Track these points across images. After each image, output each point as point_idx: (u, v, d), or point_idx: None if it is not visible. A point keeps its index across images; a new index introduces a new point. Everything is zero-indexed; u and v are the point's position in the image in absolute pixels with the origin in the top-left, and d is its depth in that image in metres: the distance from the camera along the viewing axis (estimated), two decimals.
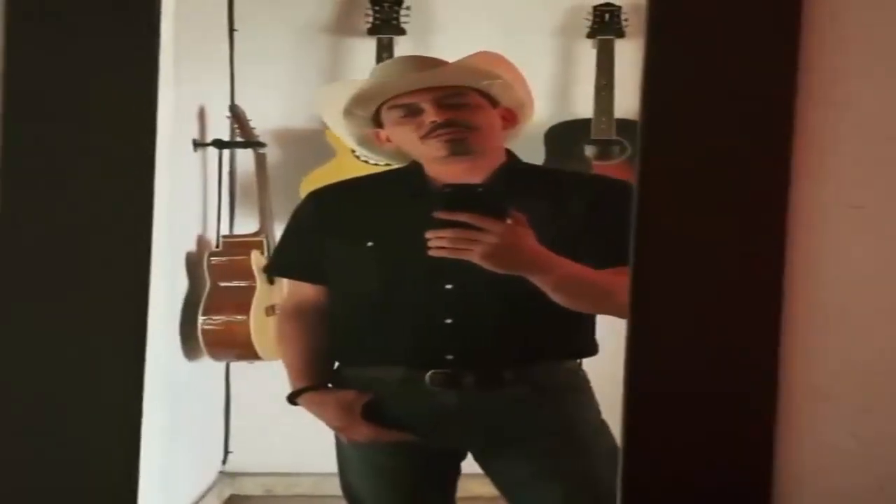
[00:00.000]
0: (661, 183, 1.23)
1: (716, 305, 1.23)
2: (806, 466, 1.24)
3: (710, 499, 1.25)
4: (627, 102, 3.08)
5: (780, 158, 1.20)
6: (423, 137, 1.80)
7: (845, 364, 1.23)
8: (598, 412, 1.92)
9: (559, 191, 1.88)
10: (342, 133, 1.97)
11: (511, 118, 1.89)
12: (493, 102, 1.86)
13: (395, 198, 1.91)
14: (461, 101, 1.81)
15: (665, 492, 1.26)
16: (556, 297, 1.71)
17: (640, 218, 1.23)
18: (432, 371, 1.81)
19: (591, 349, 1.90)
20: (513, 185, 1.82)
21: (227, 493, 3.53)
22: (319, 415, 1.90)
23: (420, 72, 1.83)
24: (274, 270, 2.11)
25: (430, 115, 1.78)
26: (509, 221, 1.62)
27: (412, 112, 1.81)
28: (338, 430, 1.92)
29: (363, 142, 1.95)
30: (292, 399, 1.93)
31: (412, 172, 1.90)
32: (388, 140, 1.89)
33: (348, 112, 1.90)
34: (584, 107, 3.20)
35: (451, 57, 1.87)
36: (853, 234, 1.22)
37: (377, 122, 1.89)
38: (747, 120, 1.21)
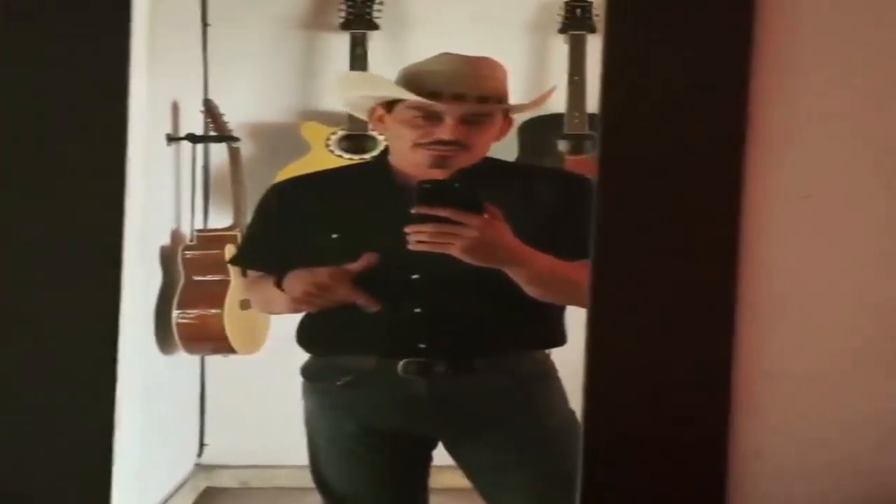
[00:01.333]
0: (620, 176, 1.25)
1: (672, 293, 1.25)
2: (759, 445, 1.27)
3: (667, 477, 1.28)
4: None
5: (733, 150, 1.23)
6: (416, 145, 1.79)
7: (796, 348, 1.26)
8: (567, 401, 1.93)
9: (528, 186, 1.90)
10: (353, 95, 1.94)
11: (508, 128, 1.90)
12: (507, 116, 1.87)
13: (361, 190, 1.91)
14: (483, 119, 1.80)
15: (623, 471, 1.28)
16: (530, 289, 1.74)
17: (600, 208, 1.25)
18: (405, 360, 1.83)
19: (560, 339, 1.92)
20: (482, 180, 1.82)
21: (202, 485, 3.54)
22: (306, 279, 1.80)
23: (468, 82, 1.77)
24: (239, 263, 2.10)
25: (444, 131, 1.76)
26: (486, 216, 1.64)
27: (429, 118, 1.78)
28: (320, 290, 1.79)
29: (362, 110, 1.92)
30: (279, 282, 1.86)
31: (378, 166, 1.92)
32: (381, 121, 1.87)
33: (374, 97, 1.87)
34: (556, 102, 3.21)
35: (423, 50, 1.84)
36: (803, 224, 1.25)
37: (388, 103, 1.85)
38: (702, 113, 1.23)
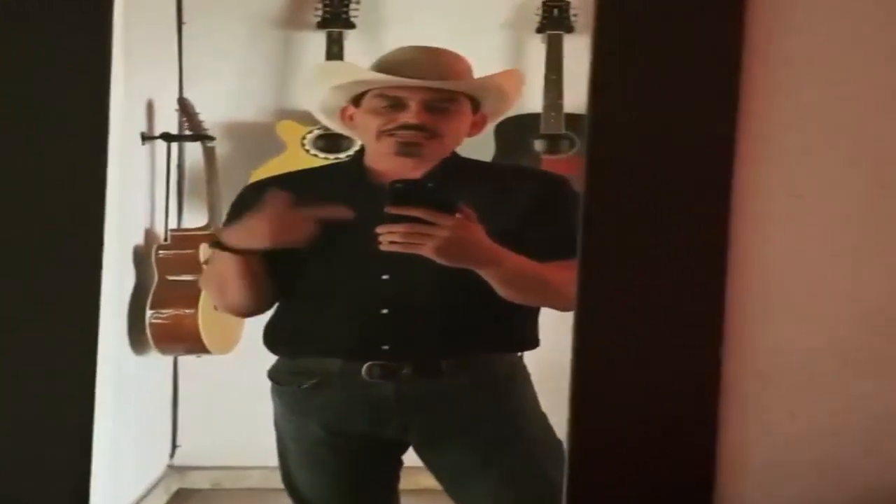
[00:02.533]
0: (607, 175, 1.24)
1: (662, 293, 1.25)
2: (747, 444, 1.27)
3: (655, 476, 1.28)
4: (576, 97, 3.10)
5: (723, 149, 1.22)
6: (380, 133, 1.80)
7: (785, 348, 1.26)
8: (537, 402, 1.93)
9: (504, 186, 1.89)
10: (310, 99, 1.94)
11: (481, 124, 1.90)
12: (476, 109, 1.87)
13: (334, 190, 1.89)
14: (448, 106, 1.80)
15: (610, 471, 1.28)
16: (502, 291, 1.73)
17: (587, 208, 1.24)
18: (369, 363, 1.81)
19: (530, 342, 1.91)
20: (454, 180, 1.81)
21: (174, 486, 3.52)
22: (253, 227, 1.76)
23: (426, 67, 1.79)
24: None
25: (408, 116, 1.78)
26: (459, 216, 1.63)
27: (394, 106, 1.79)
28: (279, 227, 1.74)
29: (328, 112, 1.93)
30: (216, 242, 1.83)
31: (352, 166, 1.91)
32: (351, 119, 1.87)
33: (340, 87, 1.87)
34: (533, 101, 3.22)
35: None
36: (794, 223, 1.25)
37: (355, 99, 1.86)
38: (692, 111, 1.23)
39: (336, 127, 1.97)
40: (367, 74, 1.82)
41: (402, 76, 1.78)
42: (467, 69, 1.85)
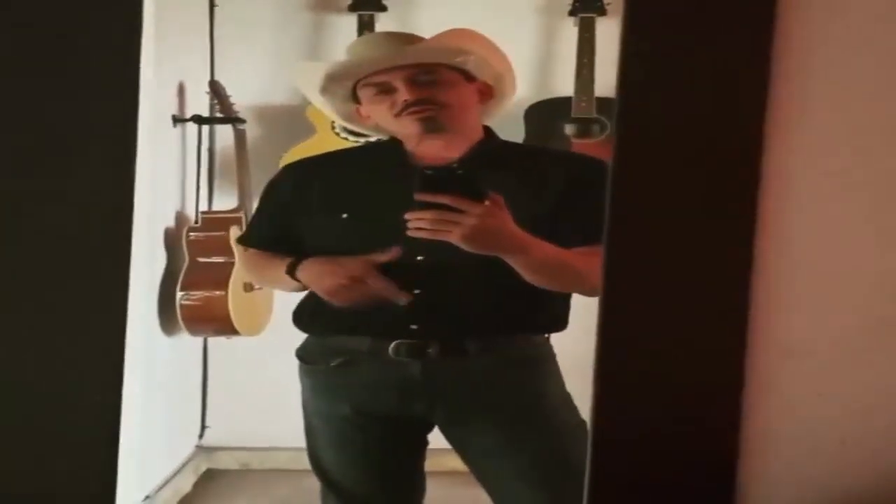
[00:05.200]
0: (636, 158, 1.24)
1: (688, 270, 1.24)
2: (773, 423, 1.26)
3: (678, 458, 1.27)
4: (608, 81, 3.08)
5: (753, 127, 1.21)
6: (397, 115, 1.81)
7: (812, 325, 1.25)
8: (563, 384, 1.93)
9: (537, 169, 1.89)
10: (327, 110, 1.97)
11: (488, 92, 1.90)
12: (469, 77, 1.86)
13: (372, 171, 1.92)
14: (434, 78, 1.81)
15: (634, 451, 1.28)
16: (529, 277, 1.73)
17: (615, 189, 1.24)
18: (396, 341, 1.82)
19: (559, 324, 1.90)
20: (490, 162, 1.83)
21: (203, 467, 3.55)
22: (336, 272, 1.80)
23: (391, 49, 1.84)
24: (247, 243, 2.09)
25: (403, 94, 1.79)
26: (487, 203, 1.63)
27: (385, 90, 1.82)
28: (353, 282, 1.78)
29: (348, 118, 1.96)
30: (293, 270, 1.85)
31: (390, 147, 1.91)
32: (369, 117, 1.90)
33: (325, 90, 1.91)
34: (564, 85, 3.20)
35: (431, 33, 1.86)
36: (823, 203, 1.24)
37: (355, 98, 1.90)
38: (722, 93, 1.22)
39: (365, 130, 2.00)
40: (332, 65, 1.87)
41: (363, 56, 1.84)
42: (425, 42, 1.87)
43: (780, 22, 1.21)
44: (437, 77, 1.82)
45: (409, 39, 1.88)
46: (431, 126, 1.80)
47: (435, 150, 1.82)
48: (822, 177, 1.24)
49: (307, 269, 1.85)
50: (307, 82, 1.94)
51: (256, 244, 2.05)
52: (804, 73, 1.22)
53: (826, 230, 1.25)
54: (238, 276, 3.13)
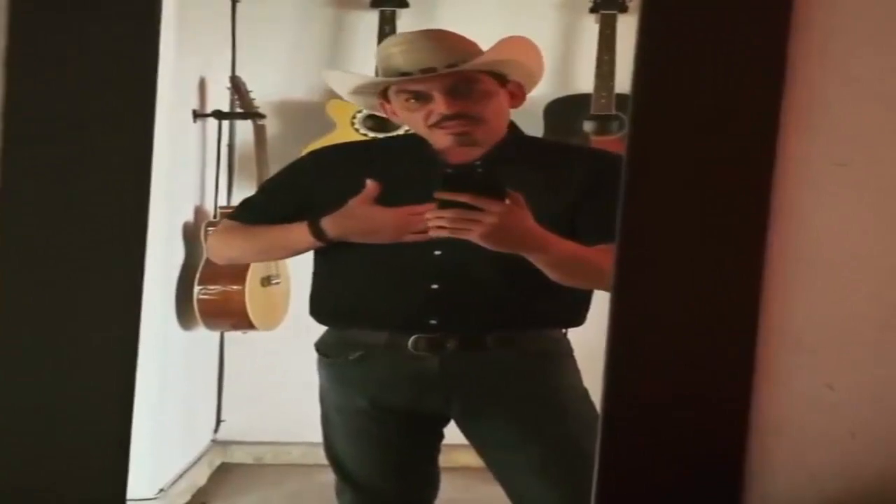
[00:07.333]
0: (650, 151, 1.24)
1: (699, 262, 1.25)
2: (782, 415, 1.26)
3: (687, 449, 1.27)
4: (628, 78, 3.07)
5: (767, 122, 1.22)
6: (431, 127, 1.80)
7: (822, 318, 1.26)
8: (580, 379, 1.93)
9: (558, 165, 1.88)
10: (354, 101, 1.97)
11: (520, 94, 1.87)
12: (503, 80, 1.84)
13: (395, 163, 1.91)
14: (472, 87, 1.79)
15: (643, 438, 1.28)
16: (550, 274, 1.73)
17: (629, 182, 1.24)
18: (415, 335, 1.83)
19: (578, 319, 1.90)
20: (511, 159, 1.82)
21: (217, 461, 3.55)
22: (369, 214, 1.80)
23: (432, 56, 1.78)
24: (248, 218, 2.00)
25: (440, 106, 1.77)
26: (507, 201, 1.63)
27: (420, 98, 1.80)
28: (397, 225, 1.78)
29: (370, 107, 1.96)
30: (318, 230, 1.82)
31: (415, 141, 1.89)
32: (395, 114, 1.88)
33: (355, 92, 1.90)
34: (584, 82, 3.19)
35: (453, 28, 1.84)
36: (836, 192, 1.24)
37: (384, 94, 1.87)
38: (736, 89, 1.22)
39: (390, 118, 1.96)
40: (365, 79, 1.84)
41: (408, 69, 1.78)
42: (468, 45, 1.82)
43: (796, 16, 1.21)
44: (475, 87, 1.79)
45: (449, 42, 1.83)
46: (465, 141, 1.80)
47: (461, 152, 1.82)
48: (834, 170, 1.24)
49: (337, 222, 1.82)
50: (338, 85, 1.93)
51: (258, 218, 1.95)
52: (819, 69, 1.23)
53: (837, 222, 1.25)
54: (255, 270, 3.13)
